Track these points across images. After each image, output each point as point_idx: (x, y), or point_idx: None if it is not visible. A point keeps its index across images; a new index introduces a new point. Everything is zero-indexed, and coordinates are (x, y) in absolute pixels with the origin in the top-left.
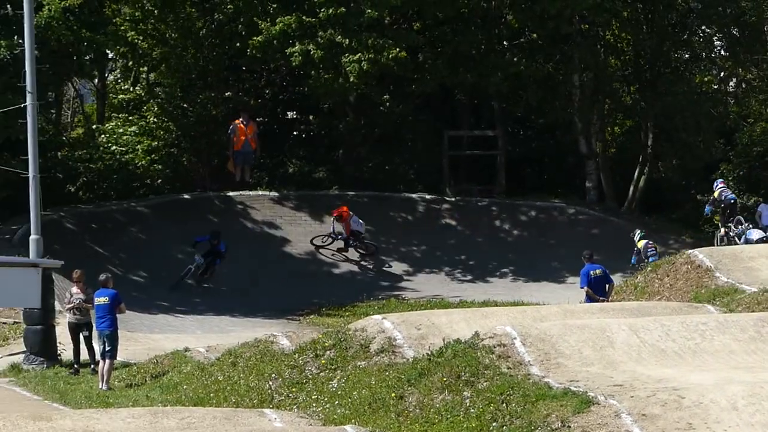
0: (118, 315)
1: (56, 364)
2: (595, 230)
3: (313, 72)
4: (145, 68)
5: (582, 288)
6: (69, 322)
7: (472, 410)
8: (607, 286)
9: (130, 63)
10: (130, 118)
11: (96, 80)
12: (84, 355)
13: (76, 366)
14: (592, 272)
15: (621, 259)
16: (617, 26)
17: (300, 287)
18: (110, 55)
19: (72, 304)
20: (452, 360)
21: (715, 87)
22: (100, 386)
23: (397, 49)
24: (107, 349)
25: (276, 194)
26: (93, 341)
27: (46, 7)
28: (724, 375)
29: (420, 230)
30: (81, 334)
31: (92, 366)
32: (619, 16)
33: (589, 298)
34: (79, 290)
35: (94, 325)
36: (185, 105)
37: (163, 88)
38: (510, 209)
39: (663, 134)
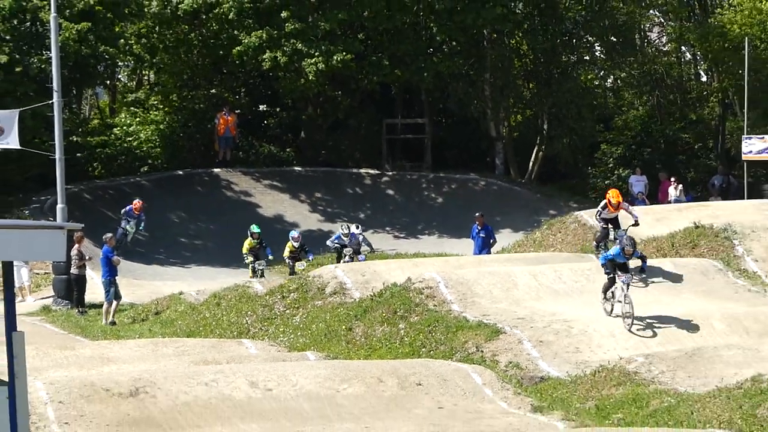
0: (117, 266)
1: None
2: (501, 197)
3: (280, 74)
4: (147, 73)
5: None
6: (71, 273)
7: (406, 339)
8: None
9: (136, 69)
10: (136, 111)
11: (108, 81)
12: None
13: (80, 309)
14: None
15: (521, 219)
16: (519, 35)
17: (270, 243)
18: (120, 64)
19: (74, 260)
20: (390, 299)
21: (596, 83)
22: (103, 322)
23: (344, 54)
24: (105, 293)
25: (251, 170)
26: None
27: (63, 32)
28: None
29: (365, 198)
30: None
31: (81, 309)
32: (521, 27)
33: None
34: (79, 248)
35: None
36: (179, 101)
37: (161, 87)
38: (435, 181)
39: (555, 121)
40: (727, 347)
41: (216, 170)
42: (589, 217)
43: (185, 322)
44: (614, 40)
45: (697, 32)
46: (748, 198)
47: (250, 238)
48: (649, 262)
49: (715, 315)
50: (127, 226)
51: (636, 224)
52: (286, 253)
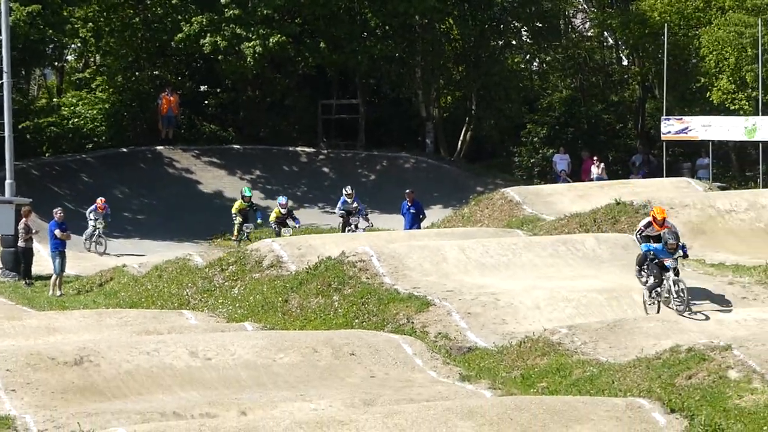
0: (66, 240)
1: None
2: (431, 175)
3: (220, 57)
4: (94, 55)
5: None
6: (18, 246)
7: (340, 310)
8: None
9: (83, 52)
10: (82, 92)
11: (56, 63)
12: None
13: (27, 281)
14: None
15: (450, 195)
16: (450, 20)
17: (210, 218)
18: (67, 47)
19: (21, 233)
20: (324, 272)
21: (523, 67)
22: (49, 293)
23: (281, 37)
24: (59, 263)
25: (192, 148)
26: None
27: (13, 14)
28: (529, 283)
29: (301, 175)
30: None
31: (27, 281)
32: (451, 13)
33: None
34: (26, 222)
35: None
36: (124, 82)
37: (107, 69)
38: (368, 159)
39: (483, 102)
40: (646, 319)
41: (158, 148)
42: (515, 194)
43: (128, 294)
44: (540, 25)
45: (618, 19)
46: (666, 176)
47: (240, 200)
48: (573, 237)
49: (635, 288)
50: (96, 224)
51: (685, 256)
52: (272, 218)
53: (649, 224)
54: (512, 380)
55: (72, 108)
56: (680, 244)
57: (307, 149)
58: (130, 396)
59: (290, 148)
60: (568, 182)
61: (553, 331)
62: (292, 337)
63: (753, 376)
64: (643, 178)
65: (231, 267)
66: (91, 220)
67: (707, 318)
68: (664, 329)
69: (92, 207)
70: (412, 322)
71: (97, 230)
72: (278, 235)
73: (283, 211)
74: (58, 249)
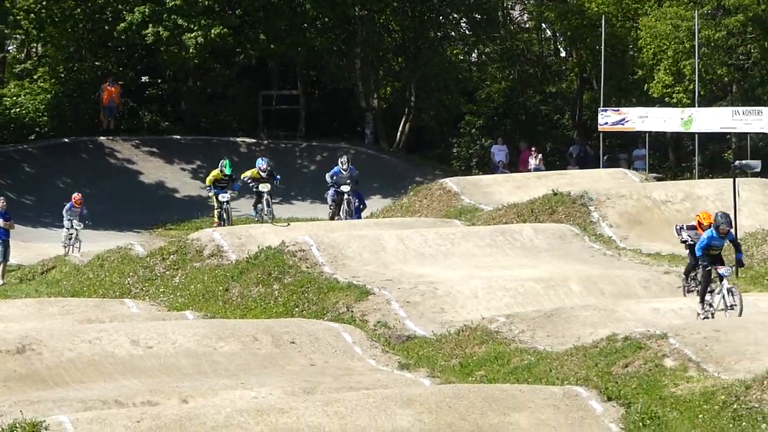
0: (9, 230)
1: None
2: (371, 165)
3: (162, 47)
4: (36, 45)
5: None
6: None
7: (280, 299)
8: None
9: (25, 42)
10: (23, 82)
11: None
12: None
13: None
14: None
15: (389, 186)
16: (389, 12)
17: (151, 208)
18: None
19: None
20: (265, 261)
21: (461, 58)
22: None
23: (222, 28)
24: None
25: (133, 138)
26: None
27: None
28: (468, 272)
29: (241, 165)
30: None
31: None
32: (390, 5)
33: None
34: None
35: None
36: (66, 72)
37: (49, 59)
38: (308, 150)
39: (422, 94)
40: (583, 308)
41: (100, 138)
42: (453, 184)
43: (70, 283)
44: (478, 17)
45: (556, 10)
46: (603, 167)
47: (218, 171)
48: (510, 227)
49: (572, 277)
50: (74, 223)
51: (741, 265)
52: (248, 174)
53: (694, 226)
54: (451, 368)
55: (14, 98)
56: (731, 234)
57: (247, 140)
58: (73, 384)
59: (231, 139)
60: (506, 173)
61: (491, 320)
62: (232, 326)
63: (688, 365)
64: (580, 168)
65: (172, 256)
66: (66, 220)
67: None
68: (601, 318)
69: (67, 205)
70: (352, 311)
71: (77, 231)
72: (257, 194)
73: (263, 174)
74: (1, 238)
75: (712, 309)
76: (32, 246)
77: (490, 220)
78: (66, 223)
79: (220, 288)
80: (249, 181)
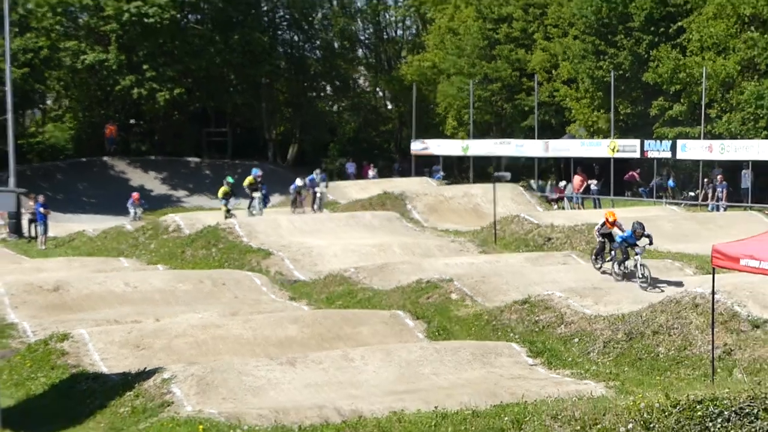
0: (47, 215)
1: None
2: (272, 175)
3: (143, 102)
4: (65, 101)
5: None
6: (29, 220)
7: (216, 257)
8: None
9: (57, 98)
10: (57, 124)
11: (40, 105)
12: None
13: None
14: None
15: (283, 188)
16: (282, 81)
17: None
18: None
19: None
20: (207, 234)
21: (327, 109)
22: (38, 248)
23: (180, 89)
24: (43, 230)
25: (125, 158)
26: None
27: (13, 74)
28: (331, 241)
29: (190, 176)
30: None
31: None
32: (282, 76)
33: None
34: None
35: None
36: (83, 117)
37: (72, 109)
38: (233, 165)
39: (303, 130)
40: (402, 263)
41: (105, 158)
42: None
43: (86, 248)
44: (338, 83)
45: (385, 79)
46: (414, 176)
47: (225, 186)
48: (357, 213)
49: (395, 244)
50: (136, 210)
51: (651, 243)
52: (246, 183)
53: (603, 224)
54: (321, 300)
55: (51, 133)
56: (646, 233)
57: (195, 159)
58: (88, 310)
59: (185, 158)
60: (354, 180)
61: (345, 270)
62: (187, 274)
63: (466, 298)
64: (401, 177)
65: (149, 231)
66: (131, 208)
67: (662, 291)
68: (413, 269)
69: (130, 200)
70: (260, 265)
71: (137, 215)
72: (250, 198)
73: (258, 179)
74: (42, 220)
75: (626, 271)
76: (62, 225)
77: (345, 209)
78: (131, 210)
79: (179, 251)
80: (246, 188)
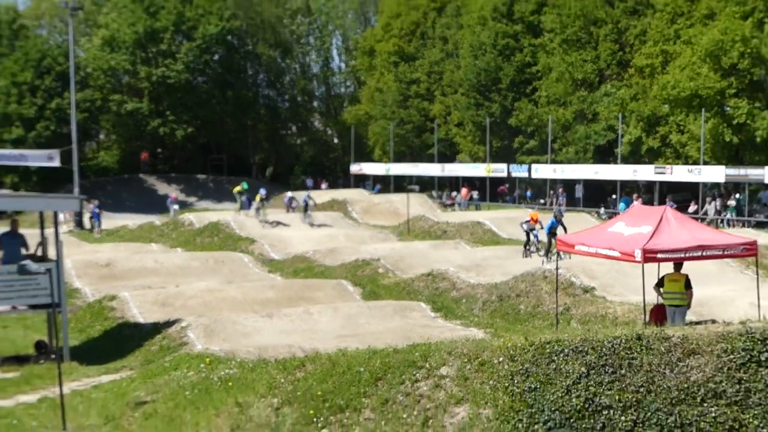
0: (101, 214)
1: (84, 230)
2: (256, 187)
3: (166, 136)
4: (112, 137)
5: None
6: (89, 218)
7: (217, 243)
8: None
9: (107, 134)
10: (108, 151)
11: (95, 138)
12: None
13: (87, 230)
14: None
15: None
16: (262, 123)
17: (161, 207)
18: (99, 131)
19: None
20: (211, 228)
21: (294, 143)
22: (95, 236)
23: (192, 128)
24: (98, 224)
25: (154, 176)
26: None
27: (78, 111)
28: (296, 233)
29: (199, 188)
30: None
31: (88, 230)
32: (263, 120)
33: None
34: (91, 206)
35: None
36: (125, 147)
37: (116, 141)
38: (228, 181)
39: (279, 158)
40: (345, 247)
41: (141, 175)
42: (292, 194)
43: (128, 237)
44: (300, 125)
45: (333, 122)
46: (354, 188)
47: (240, 187)
48: (315, 213)
49: (341, 235)
50: (175, 207)
51: (564, 229)
52: (257, 199)
53: (529, 221)
54: (290, 272)
55: (103, 158)
56: (562, 222)
57: (202, 176)
58: (129, 280)
59: (195, 175)
60: (311, 190)
61: (306, 252)
62: (197, 255)
63: (389, 271)
64: (345, 188)
65: (171, 225)
66: (170, 204)
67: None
68: (353, 251)
69: (169, 199)
70: (248, 248)
71: (176, 210)
72: (258, 211)
73: (264, 195)
74: (97, 217)
75: (548, 258)
76: (110, 221)
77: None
78: (170, 207)
79: (192, 239)
80: (256, 202)
